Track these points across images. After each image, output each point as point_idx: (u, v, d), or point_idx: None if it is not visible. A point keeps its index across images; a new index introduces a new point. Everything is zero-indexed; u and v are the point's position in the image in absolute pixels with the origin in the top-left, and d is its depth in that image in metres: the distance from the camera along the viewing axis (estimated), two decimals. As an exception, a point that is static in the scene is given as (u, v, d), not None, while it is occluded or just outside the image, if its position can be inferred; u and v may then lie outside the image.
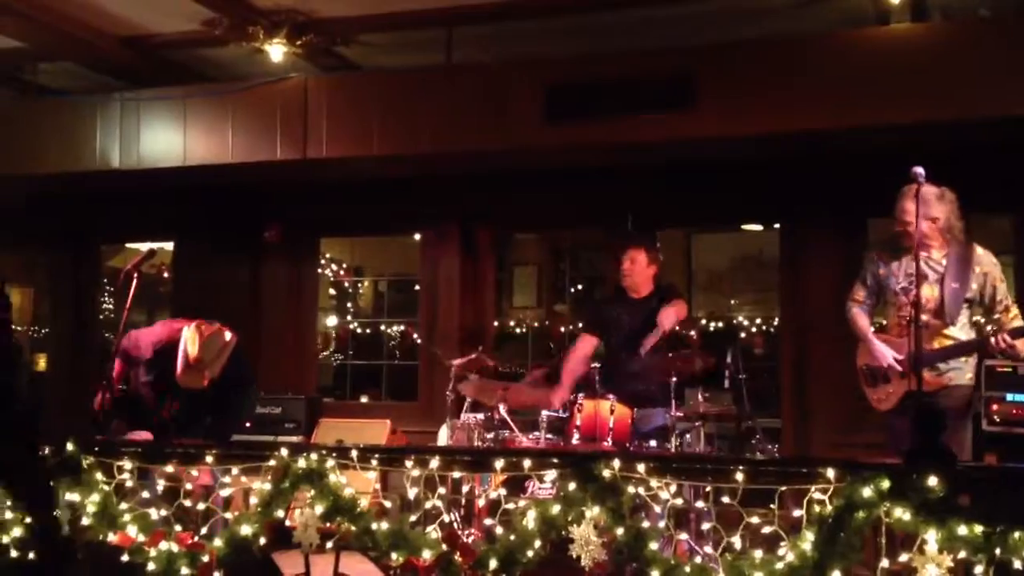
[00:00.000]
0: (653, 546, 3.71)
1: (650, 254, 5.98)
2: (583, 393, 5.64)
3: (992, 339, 4.65)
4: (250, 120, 7.58)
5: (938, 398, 4.65)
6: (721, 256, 9.66)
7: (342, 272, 9.89)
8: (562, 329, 8.64)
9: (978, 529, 3.24)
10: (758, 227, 8.64)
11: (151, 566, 4.11)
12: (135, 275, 4.99)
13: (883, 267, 5.00)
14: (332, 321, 9.81)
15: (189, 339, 5.17)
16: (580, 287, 9.76)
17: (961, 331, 4.83)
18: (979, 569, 3.24)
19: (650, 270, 5.97)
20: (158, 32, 7.37)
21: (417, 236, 8.66)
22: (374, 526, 3.96)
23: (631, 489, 3.80)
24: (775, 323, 8.43)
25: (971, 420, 4.82)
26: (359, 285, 10.34)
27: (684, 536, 4.21)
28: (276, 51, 7.18)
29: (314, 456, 4.07)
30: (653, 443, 5.54)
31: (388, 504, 4.37)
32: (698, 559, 3.83)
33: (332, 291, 10.03)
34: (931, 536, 3.28)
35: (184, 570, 4.07)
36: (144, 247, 5.32)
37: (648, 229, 7.77)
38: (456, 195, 8.04)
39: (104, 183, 8.19)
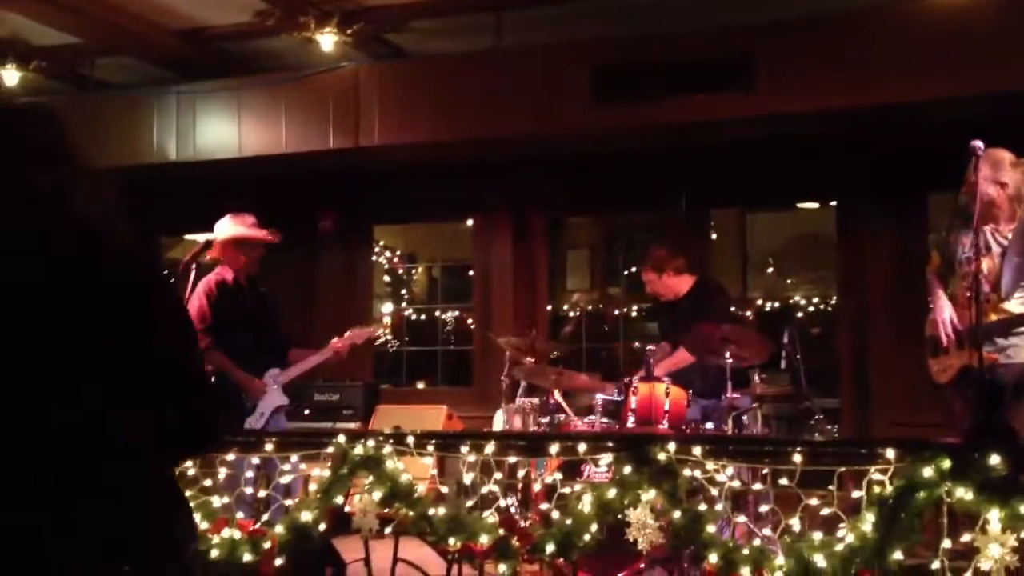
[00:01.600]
0: (711, 529, 3.70)
1: (657, 267, 6.05)
2: (637, 376, 5.62)
3: None
4: (303, 110, 7.66)
5: (997, 374, 4.53)
6: (776, 236, 9.54)
7: (396, 259, 9.95)
8: (616, 312, 8.60)
9: (1042, 508, 3.18)
10: (814, 205, 8.52)
11: (214, 552, 4.19)
12: (193, 266, 5.07)
13: (953, 235, 4.78)
14: (387, 308, 9.87)
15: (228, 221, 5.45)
16: (634, 269, 9.70)
17: (1018, 306, 4.68)
18: (1044, 549, 3.19)
19: (667, 277, 6.03)
20: (212, 24, 7.46)
21: (470, 222, 8.67)
22: (432, 511, 4.00)
23: (687, 472, 3.79)
24: (833, 302, 8.32)
25: None
26: (413, 271, 10.40)
27: (743, 519, 4.18)
28: (327, 40, 7.22)
29: (371, 443, 4.12)
30: (710, 425, 5.52)
31: (445, 490, 4.40)
32: (757, 541, 3.80)
33: (386, 278, 10.09)
34: (994, 515, 3.23)
35: (246, 556, 4.15)
36: (202, 238, 5.39)
37: (701, 210, 7.72)
38: (508, 180, 8.04)
39: (162, 176, 8.33)
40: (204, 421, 1.85)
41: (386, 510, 4.06)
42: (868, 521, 3.42)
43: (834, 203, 7.67)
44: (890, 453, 3.47)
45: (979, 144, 4.22)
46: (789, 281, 9.72)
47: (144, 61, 8.06)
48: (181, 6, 7.12)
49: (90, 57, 8.12)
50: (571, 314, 8.64)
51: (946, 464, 3.34)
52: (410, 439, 4.18)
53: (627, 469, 3.82)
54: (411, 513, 4.02)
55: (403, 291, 10.38)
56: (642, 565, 4.43)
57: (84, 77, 8.41)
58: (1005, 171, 4.59)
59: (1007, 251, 4.64)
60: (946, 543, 3.36)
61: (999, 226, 4.66)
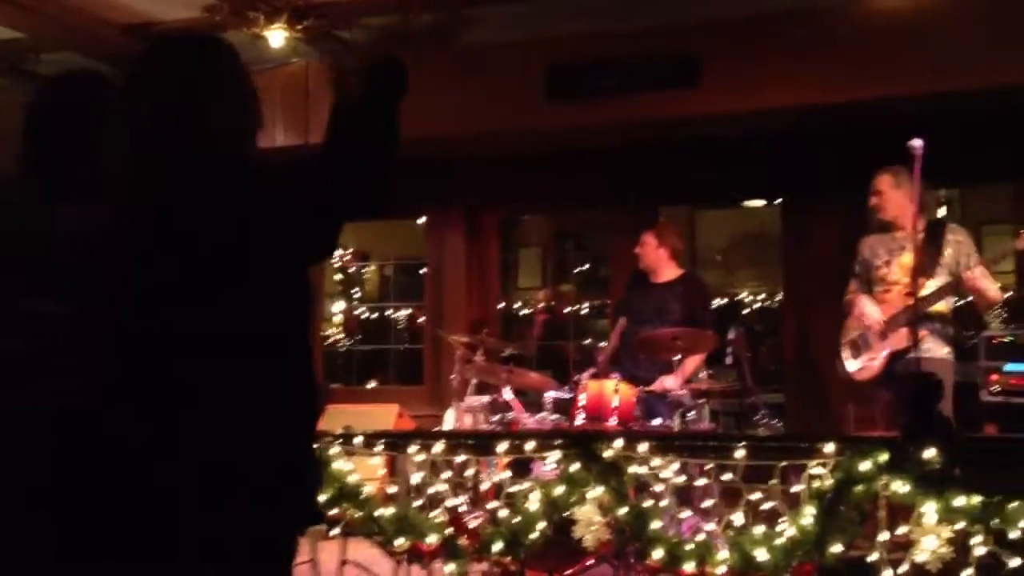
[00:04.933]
0: (656, 525, 3.74)
1: (660, 235, 6.05)
2: (587, 373, 5.66)
3: (964, 274, 4.75)
4: (251, 108, 7.59)
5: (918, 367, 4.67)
6: (724, 233, 9.66)
7: (347, 257, 9.91)
8: (567, 310, 8.65)
9: (976, 500, 3.26)
10: (760, 203, 8.63)
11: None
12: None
13: (867, 249, 5.18)
14: (339, 306, 9.84)
15: None
16: (586, 267, 9.77)
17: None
18: (977, 539, 3.27)
19: (661, 252, 6.02)
20: (159, 20, 7.36)
21: (422, 219, 8.67)
22: (379, 512, 4.01)
23: (633, 468, 3.83)
24: (778, 299, 8.44)
25: (952, 394, 4.84)
26: (364, 270, 10.36)
27: (687, 514, 4.24)
28: (277, 37, 7.16)
29: (319, 443, 4.12)
30: (658, 421, 5.57)
31: (394, 489, 4.41)
32: (701, 536, 3.85)
33: (338, 276, 10.06)
34: (930, 508, 3.31)
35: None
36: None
37: (650, 208, 7.78)
38: (460, 177, 8.04)
39: (108, 174, 8.21)
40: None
41: (334, 511, 4.06)
42: (808, 514, 3.49)
43: (779, 201, 7.77)
44: (829, 447, 3.54)
45: (918, 143, 4.34)
46: (737, 278, 9.85)
47: (90, 57, 7.95)
48: (128, 1, 7.04)
49: (35, 53, 7.99)
50: (531, 310, 8.66)
51: (883, 458, 3.41)
52: (358, 439, 4.18)
53: (574, 466, 3.85)
54: (359, 514, 4.02)
55: (355, 290, 10.35)
56: (589, 562, 4.48)
57: (28, 73, 8.26)
58: (904, 178, 4.82)
59: (922, 245, 4.81)
60: (884, 535, 3.43)
61: (907, 228, 4.89)
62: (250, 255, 1.74)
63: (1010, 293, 7.06)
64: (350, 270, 10.09)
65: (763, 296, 9.37)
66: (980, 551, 3.26)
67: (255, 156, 1.95)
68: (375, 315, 9.37)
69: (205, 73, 1.91)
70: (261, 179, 1.79)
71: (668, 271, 6.05)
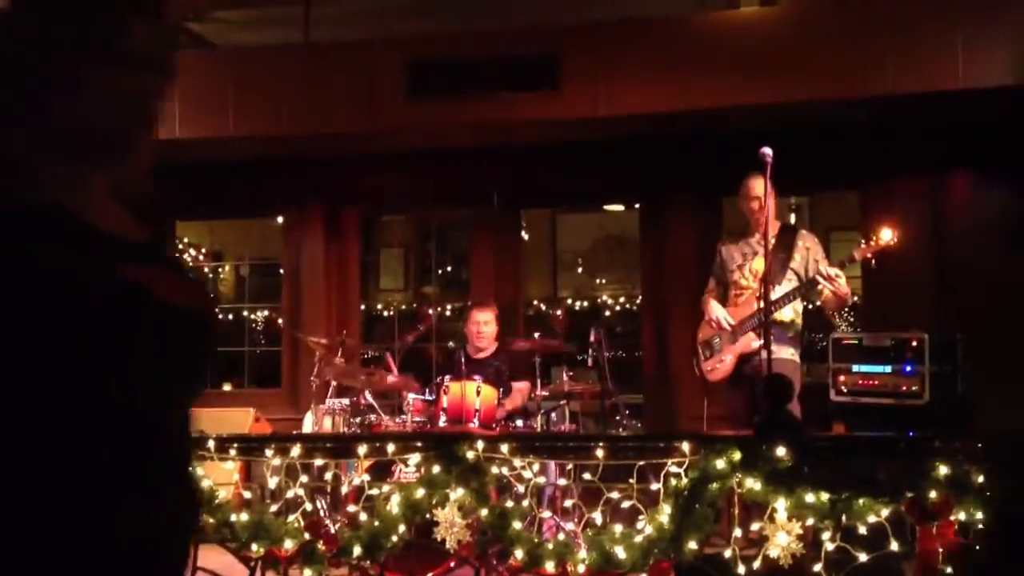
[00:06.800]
0: (517, 525, 3.74)
1: (498, 315, 6.29)
2: (449, 375, 5.64)
3: (818, 274, 4.95)
4: (98, 100, 7.26)
5: (763, 369, 4.82)
6: (585, 236, 9.77)
7: (201, 257, 9.60)
8: (430, 311, 8.59)
9: (824, 496, 3.37)
10: (620, 207, 8.77)
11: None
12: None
13: (725, 252, 5.39)
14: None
15: None
16: (449, 268, 9.73)
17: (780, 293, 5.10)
18: (826, 535, 3.38)
19: (495, 327, 6.24)
20: None
21: (280, 219, 8.46)
22: (233, 518, 3.87)
23: (495, 470, 3.82)
24: (637, 302, 8.59)
25: (801, 394, 5.01)
26: (219, 270, 10.05)
27: (548, 514, 4.25)
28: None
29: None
30: (520, 423, 5.59)
31: (249, 495, 4.28)
32: (561, 536, 3.87)
33: (191, 276, 9.71)
34: (780, 504, 3.40)
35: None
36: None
37: (512, 209, 7.80)
38: (319, 176, 7.88)
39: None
40: None
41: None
42: (665, 512, 3.54)
43: (638, 205, 7.91)
44: (685, 446, 3.60)
45: (768, 151, 4.49)
46: (598, 281, 9.99)
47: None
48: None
49: None
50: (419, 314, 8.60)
51: (736, 456, 3.50)
52: (211, 443, 4.03)
53: (435, 468, 3.81)
54: (211, 520, 3.88)
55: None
56: (451, 564, 4.45)
57: None
58: (761, 185, 4.95)
59: (772, 250, 4.98)
60: (737, 532, 3.52)
61: (761, 233, 5.08)
62: None
63: (856, 298, 7.37)
64: (204, 270, 9.78)
65: (623, 299, 9.51)
66: (829, 546, 3.37)
67: None
68: (230, 316, 9.09)
69: None
70: None
71: (491, 348, 6.21)
